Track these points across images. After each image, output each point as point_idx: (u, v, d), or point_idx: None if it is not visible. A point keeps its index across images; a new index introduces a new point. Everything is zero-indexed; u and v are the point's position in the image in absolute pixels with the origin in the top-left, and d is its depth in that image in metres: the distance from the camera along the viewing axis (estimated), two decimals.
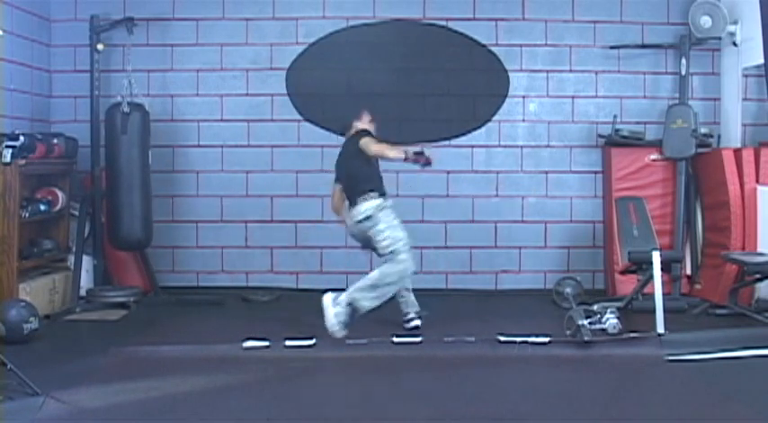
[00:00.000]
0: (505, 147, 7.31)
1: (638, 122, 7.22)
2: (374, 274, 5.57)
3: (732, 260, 6.21)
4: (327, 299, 5.48)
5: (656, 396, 4.43)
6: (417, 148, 5.61)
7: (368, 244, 5.81)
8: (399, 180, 7.23)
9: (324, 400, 4.39)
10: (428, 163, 5.64)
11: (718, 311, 6.23)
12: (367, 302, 5.49)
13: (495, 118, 7.30)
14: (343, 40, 7.26)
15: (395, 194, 7.18)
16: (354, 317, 5.46)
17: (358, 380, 4.73)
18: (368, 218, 5.65)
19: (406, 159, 5.57)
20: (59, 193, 6.60)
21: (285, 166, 7.26)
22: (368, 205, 5.66)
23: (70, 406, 4.10)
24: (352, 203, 5.75)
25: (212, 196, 7.27)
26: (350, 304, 5.45)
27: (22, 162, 5.88)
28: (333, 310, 5.43)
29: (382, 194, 5.75)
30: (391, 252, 5.59)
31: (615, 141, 7.03)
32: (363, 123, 5.96)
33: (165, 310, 6.54)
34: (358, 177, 5.75)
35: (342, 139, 6.06)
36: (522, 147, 7.31)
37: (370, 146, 5.67)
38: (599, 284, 7.24)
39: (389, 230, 5.63)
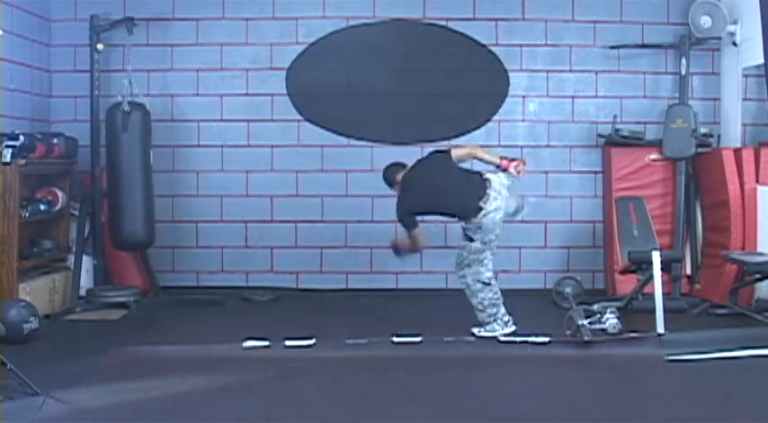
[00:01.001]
0: (505, 147, 7.28)
1: (638, 122, 7.22)
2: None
3: (732, 260, 6.21)
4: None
5: (656, 396, 4.43)
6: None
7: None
8: None
9: (324, 400, 4.39)
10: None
11: (718, 311, 6.23)
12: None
13: (495, 118, 7.30)
14: (343, 40, 7.26)
15: (395, 194, 7.21)
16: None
17: (358, 380, 4.73)
18: (497, 209, 5.47)
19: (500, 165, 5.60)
20: (59, 193, 6.60)
21: (285, 166, 7.25)
22: (494, 203, 5.47)
23: (70, 406, 4.10)
24: (477, 212, 5.45)
25: (212, 196, 7.27)
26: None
27: (22, 162, 5.88)
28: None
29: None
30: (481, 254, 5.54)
31: (615, 141, 7.03)
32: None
33: (165, 310, 6.54)
34: (468, 190, 5.53)
35: None
36: (522, 147, 7.30)
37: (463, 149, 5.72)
38: (599, 284, 7.24)
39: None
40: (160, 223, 6.90)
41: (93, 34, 6.81)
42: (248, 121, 7.27)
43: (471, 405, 4.28)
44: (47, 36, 7.12)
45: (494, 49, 7.27)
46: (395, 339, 5.30)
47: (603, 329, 5.38)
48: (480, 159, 5.72)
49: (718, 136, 7.06)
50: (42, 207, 6.39)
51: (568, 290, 6.68)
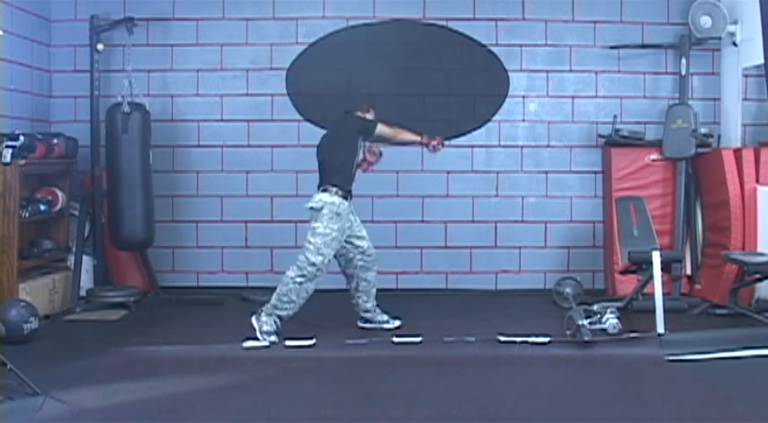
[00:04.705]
0: (505, 147, 7.31)
1: (638, 122, 7.22)
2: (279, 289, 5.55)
3: (732, 260, 6.21)
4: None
5: (656, 396, 4.43)
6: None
7: None
8: (399, 180, 7.25)
9: (324, 400, 4.39)
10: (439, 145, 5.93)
11: (718, 311, 6.24)
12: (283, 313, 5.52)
13: (495, 118, 7.30)
14: (343, 40, 7.26)
15: (395, 194, 7.23)
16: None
17: (358, 380, 4.73)
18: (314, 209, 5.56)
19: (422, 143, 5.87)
20: (59, 193, 6.60)
21: (285, 166, 7.25)
22: (323, 197, 5.56)
23: (70, 406, 4.10)
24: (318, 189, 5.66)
25: (212, 196, 7.27)
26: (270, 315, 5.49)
27: (22, 162, 5.88)
28: (256, 324, 5.45)
29: (346, 194, 5.62)
30: (307, 261, 5.50)
31: (615, 141, 7.03)
32: (370, 117, 5.85)
33: (165, 310, 6.54)
34: (332, 166, 5.65)
35: None
36: (522, 147, 7.31)
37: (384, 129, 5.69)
38: (599, 284, 7.24)
39: (320, 239, 5.50)
40: (160, 223, 6.90)
41: (93, 34, 6.82)
42: (248, 121, 7.27)
43: (471, 405, 4.28)
44: (47, 36, 7.12)
45: (494, 49, 7.27)
46: (395, 339, 5.30)
47: (603, 329, 5.38)
48: (402, 139, 5.89)
49: (718, 136, 7.06)
50: (42, 207, 6.39)
51: (568, 290, 6.68)
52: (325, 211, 5.49)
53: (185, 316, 6.35)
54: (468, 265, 7.30)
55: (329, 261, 5.53)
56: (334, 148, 5.68)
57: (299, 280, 5.47)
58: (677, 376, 4.78)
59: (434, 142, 5.90)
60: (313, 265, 5.46)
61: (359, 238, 5.73)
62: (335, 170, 5.60)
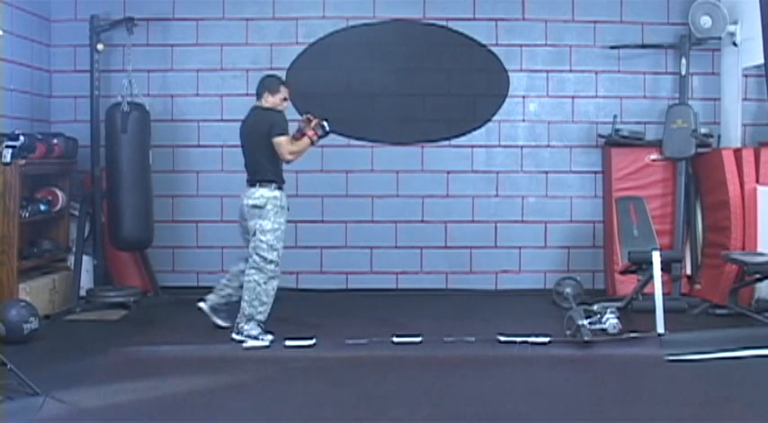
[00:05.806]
0: (505, 147, 7.31)
1: (638, 122, 7.22)
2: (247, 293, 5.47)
3: (732, 260, 6.21)
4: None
5: (656, 396, 4.43)
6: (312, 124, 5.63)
7: (245, 231, 5.69)
8: (399, 180, 7.25)
9: (324, 400, 4.39)
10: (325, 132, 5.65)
11: (718, 311, 6.24)
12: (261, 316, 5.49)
13: (495, 118, 7.30)
14: (343, 40, 7.26)
15: (395, 194, 7.23)
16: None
17: (358, 380, 4.73)
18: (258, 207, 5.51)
19: (313, 143, 5.62)
20: (59, 193, 6.60)
21: (285, 166, 7.22)
22: (263, 193, 5.52)
23: (70, 406, 4.10)
24: (251, 184, 5.59)
25: (212, 196, 7.27)
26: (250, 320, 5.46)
27: (22, 162, 5.88)
28: (241, 337, 5.41)
29: (281, 186, 5.59)
30: (263, 260, 5.46)
31: (615, 141, 7.03)
32: (274, 100, 5.70)
33: (165, 310, 6.54)
34: (260, 162, 5.58)
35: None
36: (522, 147, 7.31)
37: (283, 148, 5.50)
38: (599, 284, 7.24)
39: (271, 235, 5.49)
40: (160, 223, 6.90)
41: (93, 34, 6.81)
42: None
43: (471, 405, 4.28)
44: (47, 36, 7.12)
45: (494, 49, 7.27)
46: (395, 339, 5.30)
47: (603, 329, 5.38)
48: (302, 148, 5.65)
49: (718, 136, 7.06)
50: (42, 207, 6.39)
51: (568, 290, 6.68)
52: (269, 206, 5.51)
53: (185, 316, 6.34)
54: (468, 265, 7.30)
55: (282, 254, 5.53)
56: (256, 146, 5.59)
57: (263, 281, 5.48)
58: (677, 376, 4.78)
59: (310, 131, 5.61)
60: (271, 262, 5.48)
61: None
62: (265, 166, 5.57)
